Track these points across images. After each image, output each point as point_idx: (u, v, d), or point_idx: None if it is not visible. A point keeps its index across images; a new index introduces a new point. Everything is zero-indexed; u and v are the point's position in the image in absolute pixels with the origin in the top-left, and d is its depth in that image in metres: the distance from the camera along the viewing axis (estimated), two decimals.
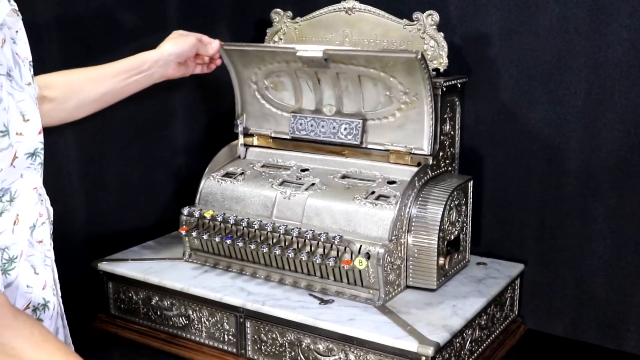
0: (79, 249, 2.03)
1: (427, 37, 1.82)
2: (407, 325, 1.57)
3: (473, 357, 1.73)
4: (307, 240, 1.71)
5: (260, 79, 1.96)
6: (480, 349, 1.77)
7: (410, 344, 1.50)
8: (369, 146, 1.86)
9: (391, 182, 1.78)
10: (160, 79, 1.70)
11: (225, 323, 1.77)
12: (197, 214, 1.87)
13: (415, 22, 1.83)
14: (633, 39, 1.72)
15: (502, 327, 1.89)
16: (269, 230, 1.76)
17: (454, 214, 1.78)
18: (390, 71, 1.73)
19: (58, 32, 1.88)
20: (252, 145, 2.05)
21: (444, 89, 1.78)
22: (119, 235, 2.11)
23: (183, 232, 1.90)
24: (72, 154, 1.97)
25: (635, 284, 1.83)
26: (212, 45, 1.79)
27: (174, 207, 2.02)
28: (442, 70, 1.82)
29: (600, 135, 1.81)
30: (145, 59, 1.64)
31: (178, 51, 1.70)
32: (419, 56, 1.63)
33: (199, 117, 2.34)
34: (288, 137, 1.98)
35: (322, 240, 1.68)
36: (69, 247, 1.99)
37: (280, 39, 2.04)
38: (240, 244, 1.79)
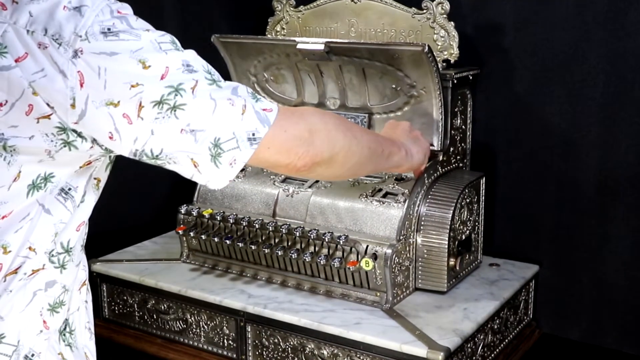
0: None
1: (437, 27, 1.82)
2: (416, 330, 1.57)
3: None
4: (310, 240, 1.71)
5: (259, 71, 1.96)
6: (492, 355, 1.77)
7: (419, 350, 1.50)
8: None
9: (399, 179, 1.78)
10: None
11: (225, 327, 1.78)
12: (195, 213, 1.87)
13: (424, 11, 1.83)
14: None
15: (515, 331, 1.89)
16: (270, 229, 1.76)
17: (465, 212, 1.78)
18: (396, 64, 1.72)
19: None
20: None
21: (455, 81, 1.78)
22: (113, 235, 2.11)
23: (180, 232, 1.90)
24: None
25: None
26: None
27: (170, 205, 2.02)
28: (452, 61, 1.82)
29: (620, 130, 1.81)
30: None
31: None
32: (426, 49, 1.63)
33: None
34: None
35: (326, 240, 1.68)
36: None
37: (283, 28, 2.04)
38: (241, 244, 1.79)
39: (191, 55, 0.96)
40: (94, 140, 0.94)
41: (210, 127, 0.95)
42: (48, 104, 0.89)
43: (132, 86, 0.90)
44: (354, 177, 1.38)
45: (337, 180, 1.82)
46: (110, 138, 0.93)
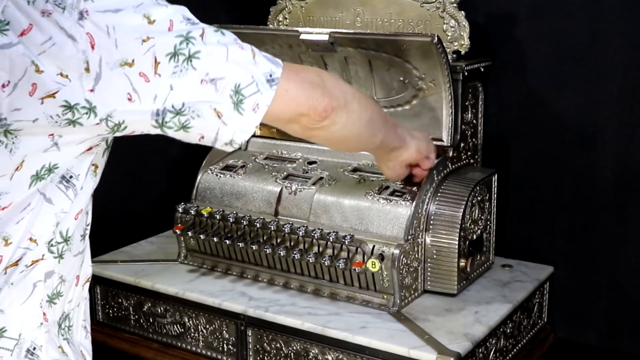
0: None
1: (446, 16, 1.81)
2: (424, 334, 1.56)
3: None
4: (314, 240, 1.71)
5: None
6: None
7: (428, 355, 1.49)
8: None
9: (406, 177, 1.77)
10: None
11: (224, 331, 1.77)
12: (193, 211, 1.87)
13: (433, 0, 1.82)
14: None
15: (529, 335, 1.88)
16: (272, 229, 1.75)
17: (477, 211, 1.77)
18: (404, 55, 1.72)
19: None
20: (254, 136, 2.03)
21: (465, 74, 1.77)
22: (108, 234, 2.11)
23: (178, 231, 1.89)
24: None
25: None
26: None
27: (168, 204, 2.01)
28: (463, 52, 1.81)
29: (638, 124, 1.80)
30: None
31: None
32: (435, 39, 1.62)
33: None
34: None
35: (331, 240, 1.67)
36: None
37: (285, 18, 2.03)
38: (241, 244, 1.78)
39: (186, 10, 1.01)
40: (105, 119, 0.95)
41: (229, 74, 0.99)
42: (61, 74, 0.90)
43: (144, 40, 0.93)
44: (372, 138, 1.34)
45: (342, 178, 1.81)
46: (130, 100, 0.94)
